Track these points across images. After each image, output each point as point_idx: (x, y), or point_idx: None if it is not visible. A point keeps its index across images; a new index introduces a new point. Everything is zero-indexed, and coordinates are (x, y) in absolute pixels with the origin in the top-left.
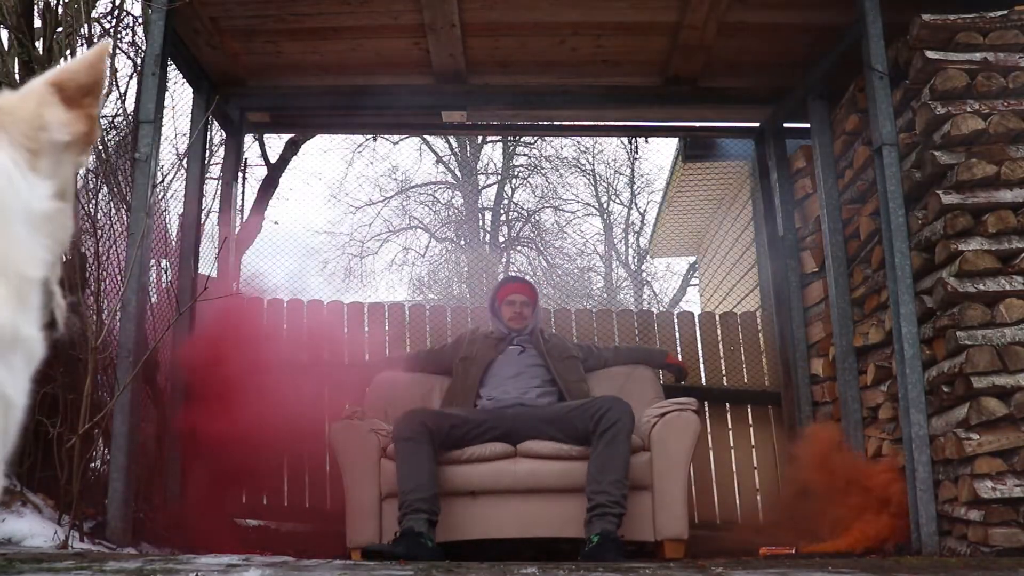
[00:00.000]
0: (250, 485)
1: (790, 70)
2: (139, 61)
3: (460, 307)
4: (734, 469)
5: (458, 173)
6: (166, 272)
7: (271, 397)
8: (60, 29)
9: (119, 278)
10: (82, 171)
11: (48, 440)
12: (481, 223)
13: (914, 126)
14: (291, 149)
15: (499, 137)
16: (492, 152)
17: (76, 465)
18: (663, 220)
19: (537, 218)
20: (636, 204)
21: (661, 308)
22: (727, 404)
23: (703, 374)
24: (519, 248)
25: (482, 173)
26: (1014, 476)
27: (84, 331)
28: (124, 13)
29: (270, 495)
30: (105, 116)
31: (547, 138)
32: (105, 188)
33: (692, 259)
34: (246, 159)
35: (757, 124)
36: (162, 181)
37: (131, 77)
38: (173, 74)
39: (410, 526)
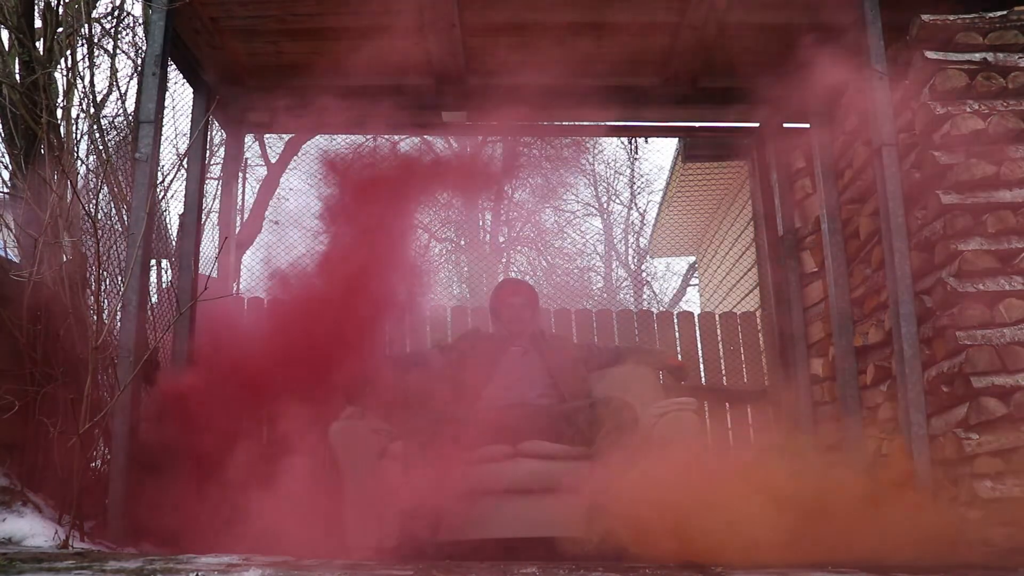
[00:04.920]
0: (249, 484)
1: (790, 70)
2: (139, 61)
3: (460, 307)
4: None
5: None
6: (166, 272)
7: (269, 396)
8: (60, 29)
9: (119, 278)
10: (82, 171)
11: (48, 440)
12: (481, 223)
13: (914, 126)
14: (291, 149)
15: (499, 137)
16: (492, 152)
17: (76, 465)
18: (663, 220)
19: (537, 218)
20: (636, 204)
21: (661, 308)
22: (727, 404)
23: (703, 374)
24: (519, 248)
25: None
26: (1014, 476)
27: (84, 331)
28: (124, 13)
29: (270, 494)
30: (105, 116)
31: (547, 138)
32: (105, 188)
33: (692, 259)
34: (246, 159)
35: (757, 124)
36: (162, 181)
37: (131, 77)
38: (173, 74)
39: (412, 532)
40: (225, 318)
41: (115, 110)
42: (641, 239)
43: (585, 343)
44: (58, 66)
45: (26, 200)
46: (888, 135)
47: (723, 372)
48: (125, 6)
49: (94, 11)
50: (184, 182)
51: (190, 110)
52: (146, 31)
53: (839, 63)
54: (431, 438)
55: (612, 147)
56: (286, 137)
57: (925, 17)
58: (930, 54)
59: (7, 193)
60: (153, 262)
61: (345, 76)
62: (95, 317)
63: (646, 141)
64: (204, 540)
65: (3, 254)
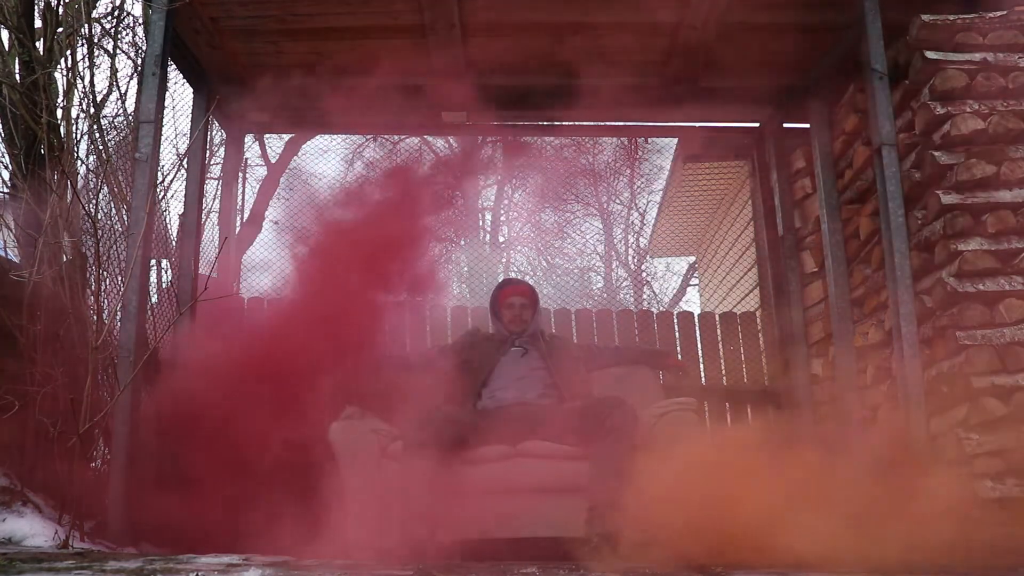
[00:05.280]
0: (249, 485)
1: (790, 70)
2: (139, 61)
3: (460, 307)
4: None
5: None
6: (166, 272)
7: (268, 397)
8: (60, 29)
9: (119, 278)
10: (82, 171)
11: (48, 440)
12: (481, 223)
13: (914, 126)
14: (291, 149)
15: (499, 137)
16: (492, 152)
17: (76, 465)
18: (663, 220)
19: (537, 218)
20: (636, 204)
21: (661, 308)
22: (727, 404)
23: (703, 374)
24: (519, 248)
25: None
26: (1014, 476)
27: (84, 331)
28: (124, 13)
29: (269, 496)
30: (105, 116)
31: (547, 138)
32: (105, 188)
33: (692, 259)
34: (246, 159)
35: (757, 124)
36: (162, 181)
37: (131, 77)
38: (173, 74)
39: (412, 533)
40: (224, 318)
41: (115, 110)
42: (641, 239)
43: (585, 343)
44: (58, 66)
45: (26, 200)
46: (888, 135)
47: (723, 372)
48: (125, 6)
49: (94, 11)
50: (184, 182)
51: (190, 110)
52: (146, 31)
53: (839, 63)
54: (430, 438)
55: (612, 147)
56: (286, 137)
57: (925, 17)
58: (930, 54)
59: (7, 193)
60: (153, 262)
61: (345, 76)
62: (95, 317)
63: (646, 141)
64: (204, 539)
65: (3, 254)
